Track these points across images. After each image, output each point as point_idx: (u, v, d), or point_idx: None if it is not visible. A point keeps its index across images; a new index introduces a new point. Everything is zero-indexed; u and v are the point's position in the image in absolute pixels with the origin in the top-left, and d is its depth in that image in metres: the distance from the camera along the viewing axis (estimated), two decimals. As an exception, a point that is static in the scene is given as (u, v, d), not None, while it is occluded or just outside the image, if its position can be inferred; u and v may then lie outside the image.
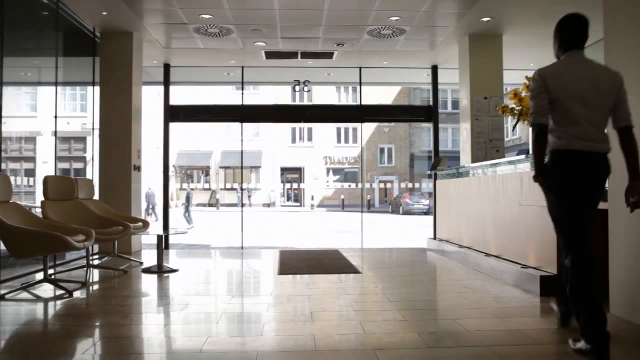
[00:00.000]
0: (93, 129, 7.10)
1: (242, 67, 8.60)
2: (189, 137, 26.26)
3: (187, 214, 16.00)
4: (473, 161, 6.80)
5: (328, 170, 30.08)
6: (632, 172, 2.52)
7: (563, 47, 2.74)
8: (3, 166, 5.09)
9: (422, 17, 6.32)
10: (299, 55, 7.90)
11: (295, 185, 29.80)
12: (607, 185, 3.06)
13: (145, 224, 5.96)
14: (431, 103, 8.70)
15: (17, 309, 3.80)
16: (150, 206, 18.09)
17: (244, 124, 9.14)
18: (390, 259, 6.86)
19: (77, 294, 4.21)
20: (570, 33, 2.73)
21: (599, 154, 2.55)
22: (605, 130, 2.59)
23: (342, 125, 29.74)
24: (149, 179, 14.09)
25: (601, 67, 2.67)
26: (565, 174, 2.55)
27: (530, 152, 2.91)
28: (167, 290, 4.57)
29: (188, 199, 16.22)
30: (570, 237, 2.60)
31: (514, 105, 4.60)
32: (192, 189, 17.96)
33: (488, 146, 6.99)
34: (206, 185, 29.29)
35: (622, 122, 2.58)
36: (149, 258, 6.34)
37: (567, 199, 2.59)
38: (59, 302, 3.98)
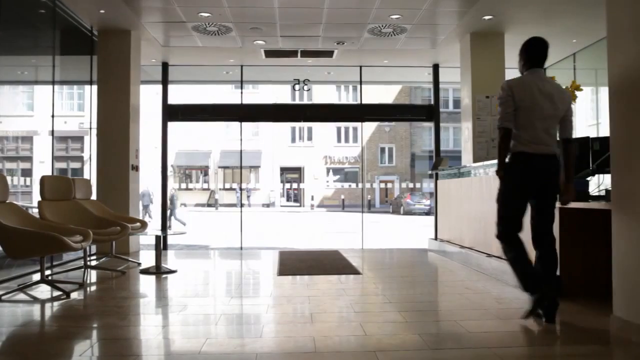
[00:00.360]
0: (90, 128, 7.09)
1: (242, 66, 8.59)
2: (188, 136, 26.25)
3: (172, 217, 15.77)
4: (475, 161, 6.79)
5: (328, 170, 30.07)
6: (568, 176, 3.21)
7: (527, 65, 3.29)
8: (0, 166, 5.09)
9: (423, 16, 6.32)
10: (299, 54, 7.89)
11: (295, 185, 29.79)
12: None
13: (144, 225, 5.96)
14: (432, 102, 8.70)
15: (14, 310, 3.80)
16: (144, 205, 18.06)
17: (243, 123, 9.14)
18: (391, 259, 6.86)
19: (74, 295, 4.20)
20: (533, 54, 3.30)
21: (549, 155, 3.17)
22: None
23: (343, 124, 29.74)
24: (147, 179, 14.07)
25: (556, 85, 3.29)
26: (521, 172, 3.18)
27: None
28: (166, 292, 4.57)
29: (172, 200, 15.93)
30: (505, 223, 3.28)
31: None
32: (176, 189, 17.64)
33: (490, 146, 6.98)
34: (205, 185, 29.29)
35: (566, 135, 3.24)
36: (147, 259, 6.33)
37: (515, 194, 3.24)
38: (56, 304, 3.97)
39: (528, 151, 3.15)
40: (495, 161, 4.93)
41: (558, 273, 3.40)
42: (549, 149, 3.17)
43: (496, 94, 3.32)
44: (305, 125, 29.56)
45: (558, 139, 3.28)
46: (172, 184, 26.23)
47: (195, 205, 27.29)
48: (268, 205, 28.21)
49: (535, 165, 3.16)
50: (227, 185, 28.54)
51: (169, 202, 15.97)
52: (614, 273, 3.00)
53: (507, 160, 3.24)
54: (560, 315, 3.48)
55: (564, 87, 3.92)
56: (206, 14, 6.24)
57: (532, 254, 3.34)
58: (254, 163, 28.47)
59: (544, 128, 3.16)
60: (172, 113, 8.39)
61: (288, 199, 29.60)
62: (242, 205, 9.87)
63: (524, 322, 3.29)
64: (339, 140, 30.70)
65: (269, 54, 7.89)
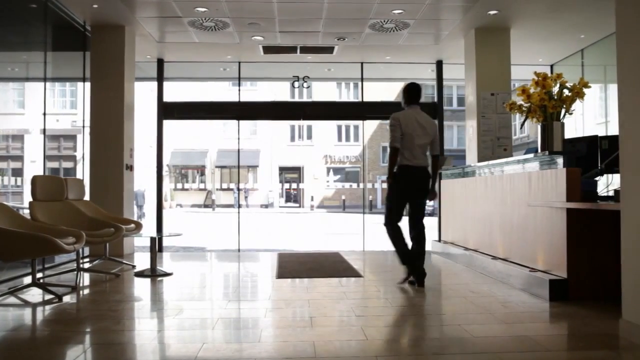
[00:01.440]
0: (83, 126, 7.09)
1: (239, 63, 8.59)
2: (184, 135, 26.24)
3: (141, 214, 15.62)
4: (479, 160, 6.79)
5: (328, 169, 30.08)
6: (433, 181, 4.67)
7: (408, 102, 4.68)
8: (-10, 165, 5.09)
9: (427, 10, 6.32)
10: (298, 50, 7.89)
11: (294, 186, 29.80)
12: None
13: (138, 226, 5.96)
14: (436, 100, 8.69)
15: (4, 314, 3.80)
16: (137, 205, 18.09)
17: (240, 121, 9.13)
18: (393, 262, 6.84)
19: (66, 299, 4.20)
20: (412, 94, 4.69)
21: (423, 167, 4.58)
22: (427, 153, 4.68)
23: (343, 122, 29.75)
24: (142, 179, 14.07)
25: (427, 117, 4.70)
26: (404, 179, 4.52)
27: (387, 163, 4.70)
28: (161, 295, 4.57)
29: (137, 197, 15.69)
30: (392, 215, 4.65)
31: (522, 102, 4.60)
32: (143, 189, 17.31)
33: (495, 144, 6.98)
34: (201, 186, 29.30)
35: (434, 152, 4.70)
36: (142, 261, 6.33)
37: (400, 196, 4.61)
38: (48, 307, 3.96)
39: (410, 164, 4.52)
40: (502, 160, 5.03)
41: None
42: (423, 163, 4.58)
43: (389, 122, 4.59)
44: (304, 123, 29.55)
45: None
46: (167, 184, 26.26)
47: (191, 206, 27.31)
48: (267, 206, 28.22)
49: (415, 173, 4.54)
50: (225, 186, 28.55)
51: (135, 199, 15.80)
52: (623, 275, 3.00)
53: (394, 170, 4.57)
54: (567, 320, 3.48)
55: (571, 84, 4.24)
56: (203, 9, 6.24)
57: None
58: (252, 162, 28.47)
59: (420, 148, 4.56)
60: (168, 111, 8.38)
61: (287, 200, 29.61)
62: (239, 206, 9.86)
63: (531, 326, 3.29)
64: (339, 139, 30.70)
65: (268, 50, 7.89)
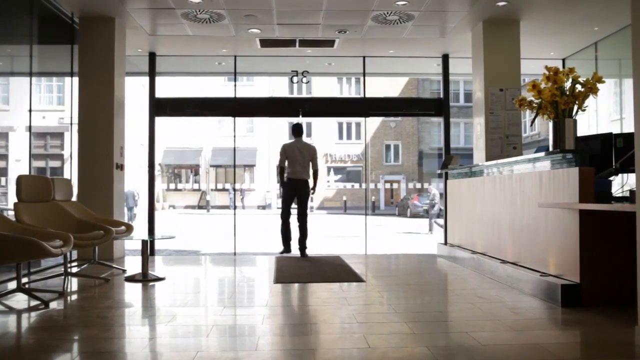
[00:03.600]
0: (71, 123, 7.09)
1: (235, 57, 8.59)
2: (177, 132, 26.28)
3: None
4: (487, 159, 6.79)
5: (329, 169, 30.11)
6: (314, 187, 7.12)
7: (294, 135, 7.19)
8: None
9: (432, 2, 6.32)
10: (297, 44, 7.89)
11: (292, 186, 29.76)
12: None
13: (129, 228, 5.96)
14: (442, 95, 8.69)
15: (-12, 321, 3.80)
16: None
17: (236, 118, 9.14)
18: (397, 266, 6.85)
19: (53, 305, 4.20)
20: (294, 132, 7.27)
21: (301, 179, 6.95)
22: (310, 170, 7.11)
23: (344, 120, 29.78)
24: (133, 179, 14.07)
25: (306, 144, 7.17)
26: (289, 187, 6.97)
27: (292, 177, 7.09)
28: (153, 301, 4.57)
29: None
30: (285, 210, 7.04)
31: (532, 98, 4.60)
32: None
33: (504, 143, 6.98)
34: (195, 186, 29.32)
35: (314, 168, 7.10)
36: (132, 265, 6.34)
37: (287, 198, 7.04)
38: (33, 314, 3.96)
39: (292, 177, 7.00)
40: (512, 159, 5.09)
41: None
42: (301, 176, 7.02)
43: (279, 151, 7.10)
44: (304, 120, 29.52)
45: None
46: (160, 184, 26.26)
47: (185, 208, 27.33)
48: (264, 207, 28.24)
49: (296, 183, 6.99)
50: (220, 186, 28.57)
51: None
52: (639, 280, 3.00)
53: (284, 180, 7.08)
54: (580, 327, 3.48)
55: (584, 79, 4.26)
56: (197, 0, 6.24)
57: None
58: (248, 162, 28.51)
59: (300, 166, 7.01)
60: (160, 107, 8.38)
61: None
62: (235, 208, 9.87)
63: (542, 334, 3.29)
64: (340, 137, 30.74)
65: (265, 43, 7.89)
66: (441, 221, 15.49)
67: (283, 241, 7.18)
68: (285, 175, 7.01)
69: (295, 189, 6.93)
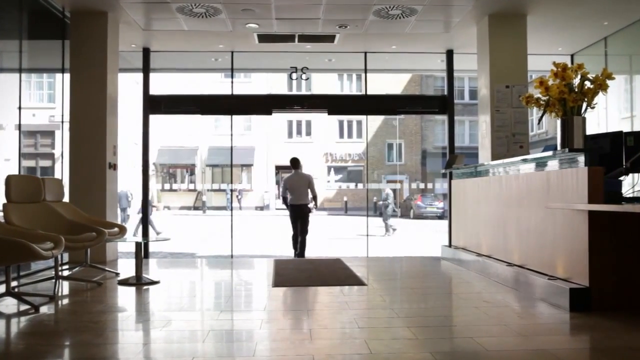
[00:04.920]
0: (62, 121, 7.09)
1: (232, 52, 8.59)
2: (172, 131, 26.24)
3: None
4: (493, 158, 6.79)
5: (329, 168, 30.09)
6: (315, 206, 8.37)
7: (293, 168, 8.20)
8: (-40, 164, 5.09)
9: (436, -5, 6.32)
10: (296, 39, 7.89)
11: (291, 186, 29.74)
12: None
13: (122, 230, 5.96)
14: (446, 93, 8.69)
15: (-24, 326, 3.79)
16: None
17: (233, 116, 9.14)
18: (400, 269, 6.85)
19: (44, 310, 4.20)
20: (292, 165, 8.30)
21: (301, 204, 8.13)
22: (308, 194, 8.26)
23: (345, 118, 29.74)
24: (126, 179, 14.07)
25: (303, 175, 8.28)
26: (293, 211, 8.19)
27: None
28: (147, 305, 4.57)
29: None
30: (294, 229, 8.24)
31: (539, 95, 4.59)
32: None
33: (510, 141, 6.98)
34: (191, 186, 29.29)
35: (313, 193, 8.23)
36: (126, 268, 6.33)
37: (292, 219, 8.26)
38: (23, 319, 3.96)
39: (293, 203, 8.09)
40: (518, 158, 5.07)
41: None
42: (301, 201, 8.09)
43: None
44: (303, 118, 29.57)
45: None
46: (154, 185, 26.25)
47: (180, 209, 27.30)
48: (262, 208, 28.22)
49: (297, 208, 8.11)
50: (216, 186, 28.54)
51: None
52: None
53: (288, 205, 8.23)
54: (590, 332, 3.48)
55: (593, 75, 4.26)
56: (192, -6, 6.23)
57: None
58: (246, 161, 28.48)
59: (299, 193, 8.09)
60: (154, 105, 8.39)
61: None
62: (232, 209, 9.87)
63: (550, 339, 3.29)
64: (341, 135, 30.71)
65: (263, 38, 7.89)
66: (392, 222, 15.52)
67: (295, 249, 8.48)
68: (289, 201, 8.23)
69: (297, 212, 8.16)
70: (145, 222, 8.48)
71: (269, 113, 9.14)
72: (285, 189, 8.29)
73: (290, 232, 8.28)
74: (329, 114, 9.16)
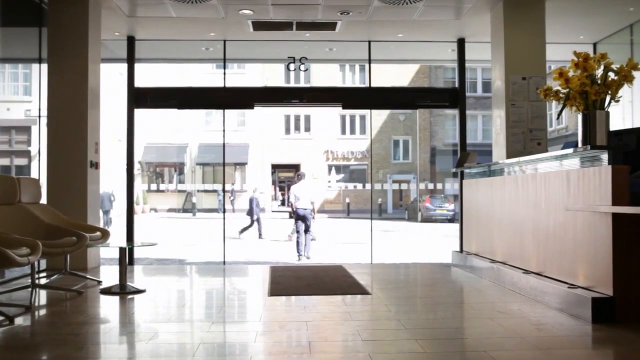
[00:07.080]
0: (40, 116, 7.09)
1: (224, 41, 8.59)
2: (159, 126, 26.26)
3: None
4: (508, 156, 6.79)
5: (330, 167, 30.10)
6: (313, 212, 10.76)
7: (298, 179, 10.94)
8: None
9: (446, -21, 6.32)
10: (294, 27, 7.89)
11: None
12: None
13: (105, 234, 5.96)
14: (457, 85, 8.69)
15: (-54, 338, 3.79)
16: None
17: (226, 110, 9.14)
18: (407, 276, 6.85)
19: (19, 321, 4.19)
20: (298, 177, 11.00)
21: (305, 208, 10.43)
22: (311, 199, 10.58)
23: (347, 112, 29.77)
24: (109, 179, 14.08)
25: (308, 184, 10.92)
26: (297, 214, 10.47)
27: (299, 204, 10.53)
28: (132, 316, 4.57)
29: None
30: (298, 230, 10.41)
31: (559, 88, 4.59)
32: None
33: (527, 138, 6.98)
34: (180, 186, 29.32)
35: (312, 199, 10.74)
36: (109, 276, 6.33)
37: (297, 221, 10.47)
38: (-3, 331, 3.96)
39: (299, 207, 10.33)
40: (536, 156, 5.05)
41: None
42: (305, 206, 10.32)
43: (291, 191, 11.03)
44: (302, 112, 29.58)
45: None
46: (139, 185, 26.26)
47: (167, 211, 27.31)
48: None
49: (301, 212, 10.30)
50: (207, 187, 28.56)
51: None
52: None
53: (295, 209, 10.49)
54: (613, 345, 3.48)
55: (617, 66, 4.26)
56: (181, -23, 6.23)
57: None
58: (239, 159, 28.50)
59: (304, 200, 10.33)
60: (140, 98, 8.38)
61: (281, 203, 29.62)
62: (224, 211, 9.87)
63: (570, 353, 3.29)
64: (343, 131, 30.74)
65: (258, 26, 7.89)
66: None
67: (298, 249, 10.29)
68: (295, 206, 10.39)
69: (302, 215, 10.29)
70: (130, 224, 8.47)
71: (265, 107, 9.14)
72: (294, 196, 10.60)
73: (290, 233, 9.20)
74: (328, 106, 9.16)
